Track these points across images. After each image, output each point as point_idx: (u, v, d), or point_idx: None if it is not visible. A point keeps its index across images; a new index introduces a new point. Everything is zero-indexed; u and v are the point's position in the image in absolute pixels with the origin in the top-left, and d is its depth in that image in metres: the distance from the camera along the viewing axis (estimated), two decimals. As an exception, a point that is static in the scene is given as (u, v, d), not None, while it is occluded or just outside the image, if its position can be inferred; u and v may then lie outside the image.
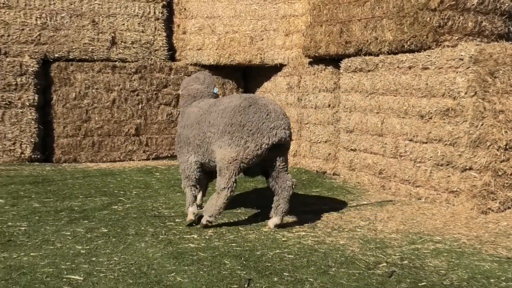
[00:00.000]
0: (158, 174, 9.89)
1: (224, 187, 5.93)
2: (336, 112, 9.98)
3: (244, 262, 5.02)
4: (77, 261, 4.98)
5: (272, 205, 6.17)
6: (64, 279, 4.54)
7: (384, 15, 8.39)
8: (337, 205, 7.53)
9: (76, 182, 8.86)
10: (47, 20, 10.86)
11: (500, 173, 6.92)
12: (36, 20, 10.80)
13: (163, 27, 11.84)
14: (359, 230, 6.22)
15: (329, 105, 9.98)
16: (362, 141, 8.89)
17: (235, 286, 4.45)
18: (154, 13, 11.69)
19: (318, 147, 10.20)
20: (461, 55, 7.08)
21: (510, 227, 6.38)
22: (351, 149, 9.19)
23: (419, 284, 4.59)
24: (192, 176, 6.43)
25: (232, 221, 6.52)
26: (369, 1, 8.68)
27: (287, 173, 6.15)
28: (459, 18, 7.55)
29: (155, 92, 11.56)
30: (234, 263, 4.99)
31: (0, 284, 4.40)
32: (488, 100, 6.90)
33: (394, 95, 8.21)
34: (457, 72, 7.14)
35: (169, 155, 11.69)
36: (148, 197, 7.87)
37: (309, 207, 7.41)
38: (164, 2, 11.83)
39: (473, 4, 7.57)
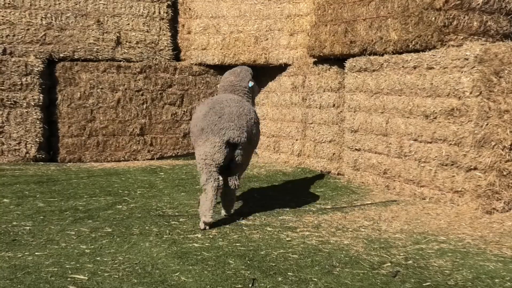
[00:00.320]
0: (162, 174, 9.90)
1: (204, 184, 6.23)
2: (340, 112, 9.97)
3: (248, 261, 5.02)
4: (81, 261, 4.99)
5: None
6: (69, 279, 4.55)
7: (389, 14, 8.38)
8: (341, 205, 7.53)
9: (81, 182, 8.88)
10: (52, 20, 10.90)
11: (505, 173, 6.90)
12: (41, 20, 10.84)
13: (168, 27, 11.86)
14: (363, 230, 6.21)
15: (334, 105, 9.98)
16: (367, 141, 8.89)
17: (240, 286, 4.45)
18: (159, 13, 11.71)
19: (323, 147, 10.19)
20: (466, 55, 7.06)
21: (515, 227, 6.37)
22: (356, 149, 9.18)
23: (424, 284, 4.58)
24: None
25: (236, 220, 6.52)
26: (374, 1, 8.67)
27: (239, 173, 6.54)
28: (464, 17, 7.53)
29: (159, 92, 11.58)
30: (238, 262, 4.99)
31: (5, 284, 4.42)
32: (493, 100, 6.88)
33: (399, 95, 8.20)
34: (462, 72, 7.12)
35: (174, 154, 11.71)
36: (152, 197, 7.87)
37: (313, 206, 7.41)
38: (169, 2, 11.85)
39: (478, 4, 7.55)
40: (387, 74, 8.40)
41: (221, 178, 6.25)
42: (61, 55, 10.95)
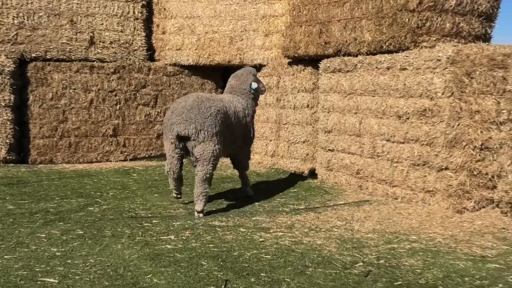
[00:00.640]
0: (135, 175, 9.86)
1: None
2: (314, 112, 10.02)
3: (221, 263, 5.02)
4: (52, 264, 4.95)
5: None
6: (39, 282, 4.51)
7: (363, 16, 8.45)
8: (315, 205, 7.56)
9: (52, 184, 8.80)
10: (24, 19, 10.78)
11: (475, 173, 7.00)
12: (13, 19, 10.71)
13: (143, 27, 11.79)
14: (336, 230, 6.25)
15: (308, 106, 10.03)
16: (340, 141, 8.94)
17: (212, 287, 4.46)
18: (134, 12, 11.64)
19: (296, 148, 10.24)
20: (439, 56, 7.15)
21: (485, 226, 6.46)
22: (329, 149, 9.23)
23: (395, 283, 4.63)
24: None
25: (209, 222, 6.52)
26: (349, 2, 8.73)
27: (200, 165, 6.92)
28: (437, 19, 7.61)
29: (133, 92, 11.51)
30: (211, 264, 4.99)
31: (-27, 287, 4.37)
32: (465, 100, 6.98)
33: (372, 96, 8.27)
34: (434, 73, 7.21)
35: (147, 156, 11.66)
36: (125, 198, 7.84)
37: (287, 207, 7.44)
38: (143, 2, 11.79)
39: (451, 6, 7.64)
40: (361, 75, 8.47)
41: (175, 165, 7.06)
42: (33, 55, 10.83)
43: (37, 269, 4.80)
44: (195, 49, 11.85)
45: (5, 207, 7.15)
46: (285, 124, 10.44)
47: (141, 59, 11.72)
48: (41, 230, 6.04)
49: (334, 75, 9.09)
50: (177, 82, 12.03)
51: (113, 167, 10.65)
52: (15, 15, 10.71)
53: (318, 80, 9.77)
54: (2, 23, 10.65)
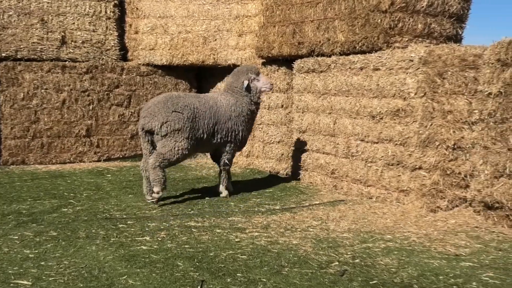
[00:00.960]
0: (109, 175, 9.78)
1: None
2: (289, 112, 10.04)
3: (197, 263, 5.01)
4: (25, 266, 4.88)
5: None
6: (12, 284, 4.44)
7: (336, 16, 8.48)
8: (290, 205, 7.58)
9: (24, 185, 8.67)
10: (-7, 18, 10.59)
11: (448, 172, 7.08)
12: (-18, 18, 10.52)
13: (115, 27, 11.67)
14: (311, 229, 6.28)
15: (282, 106, 10.04)
16: (315, 142, 8.97)
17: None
18: (106, 12, 11.52)
19: (271, 148, 10.25)
20: (411, 56, 7.21)
21: (458, 225, 6.55)
22: (304, 149, 9.25)
23: (371, 282, 4.66)
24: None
25: (184, 222, 6.48)
26: (322, 2, 8.76)
27: (154, 154, 7.34)
28: (409, 20, 7.67)
29: (106, 92, 11.40)
30: (187, 264, 4.97)
31: None
32: (437, 100, 7.05)
33: (346, 96, 8.31)
34: (407, 73, 7.27)
35: (121, 156, 11.56)
36: (99, 199, 7.77)
37: (262, 207, 7.44)
38: (115, 1, 11.67)
39: (423, 7, 7.70)
40: (335, 75, 8.50)
41: (145, 161, 7.54)
42: (3, 54, 10.64)
43: (10, 272, 4.72)
44: (169, 49, 11.77)
45: (-24, 209, 7.03)
46: (260, 124, 10.43)
47: (114, 59, 11.61)
48: (13, 232, 5.95)
49: (308, 75, 9.12)
50: (150, 82, 11.94)
51: (87, 168, 10.53)
52: (-15, 14, 10.53)
53: (292, 81, 9.79)
54: (-28, 22, 10.46)
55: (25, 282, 4.49)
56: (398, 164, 7.41)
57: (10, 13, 10.68)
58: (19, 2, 10.73)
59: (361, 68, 8.00)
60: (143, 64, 11.87)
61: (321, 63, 8.77)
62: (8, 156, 10.68)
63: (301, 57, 9.32)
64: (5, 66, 10.61)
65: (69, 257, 5.15)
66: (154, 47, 11.81)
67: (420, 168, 7.13)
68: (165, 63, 11.78)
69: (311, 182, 9.06)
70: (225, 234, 6.02)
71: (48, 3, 10.94)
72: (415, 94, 7.13)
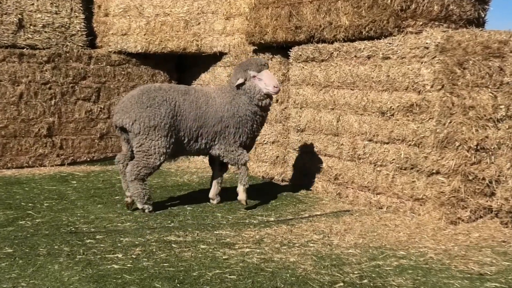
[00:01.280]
0: (74, 182, 9.74)
1: None
2: (285, 108, 10.03)
3: (178, 285, 4.98)
4: (-25, 289, 4.84)
5: None
6: (-41, 311, 4.40)
7: (339, -4, 8.49)
8: (287, 217, 7.56)
9: (-25, 193, 8.64)
10: None
11: (470, 178, 7.09)
12: None
13: (81, 8, 11.64)
14: (312, 245, 6.25)
15: (277, 100, 10.03)
16: (315, 142, 8.96)
17: (168, 314, 4.41)
18: (70, -10, 11.49)
19: (265, 149, 10.23)
20: (426, 43, 7.22)
21: (483, 239, 6.55)
22: (303, 151, 9.24)
23: (381, 307, 4.65)
24: None
25: (163, 237, 6.45)
26: (322, -20, 8.77)
27: (135, 158, 7.45)
28: (423, 0, 7.69)
29: (71, 85, 11.36)
30: (166, 286, 4.94)
31: None
32: (457, 94, 7.05)
33: (351, 89, 8.31)
34: (422, 63, 7.27)
35: (89, 159, 11.52)
36: (62, 210, 7.72)
37: (254, 219, 7.42)
38: (82, -22, 11.65)
39: (440, -15, 7.73)
40: (338, 64, 8.50)
41: (121, 161, 7.73)
42: (-50, 40, 10.60)
43: (-43, 296, 4.68)
44: (144, 34, 11.75)
45: None
46: (250, 122, 10.41)
47: (80, 45, 11.57)
48: (-39, 249, 5.91)
49: (306, 65, 9.11)
50: (123, 72, 11.91)
51: (48, 173, 10.48)
52: None
53: (288, 71, 9.79)
54: None
55: (-24, 308, 4.44)
56: (412, 168, 7.41)
57: (-45, -9, 10.63)
58: (-32, -20, 10.68)
59: (369, 57, 8.00)
60: (115, 52, 11.84)
61: (322, 50, 8.77)
62: (-45, 160, 10.63)
63: (299, 43, 9.32)
64: (-50, 53, 10.56)
65: (27, 278, 5.09)
66: (127, 32, 11.78)
67: (437, 172, 7.14)
68: (140, 51, 11.76)
69: (311, 190, 9.06)
70: (211, 250, 5.99)
71: (2, -20, 10.88)
72: (431, 86, 7.14)
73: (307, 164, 9.17)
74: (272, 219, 7.43)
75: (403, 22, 7.68)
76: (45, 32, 11.25)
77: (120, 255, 5.76)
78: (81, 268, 5.36)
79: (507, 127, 7.07)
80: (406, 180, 7.50)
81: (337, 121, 8.52)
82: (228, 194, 8.59)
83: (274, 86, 7.62)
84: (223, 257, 5.76)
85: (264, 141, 10.21)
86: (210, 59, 11.73)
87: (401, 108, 7.51)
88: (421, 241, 6.43)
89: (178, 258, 5.72)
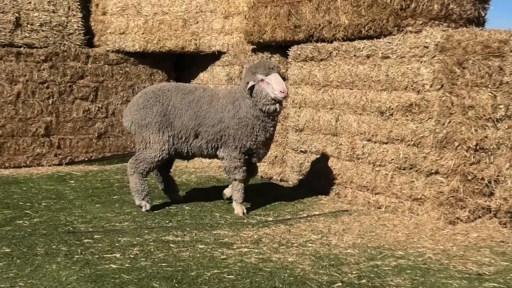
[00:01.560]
0: (72, 182, 9.74)
1: None
2: (283, 108, 10.03)
3: (176, 285, 4.98)
4: (-27, 288, 4.86)
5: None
6: (-43, 310, 4.42)
7: (338, -5, 8.50)
8: (285, 216, 7.58)
9: (-28, 193, 8.65)
10: None
11: (469, 178, 7.10)
12: None
13: (79, 7, 11.63)
14: (310, 245, 6.27)
15: (276, 100, 10.02)
16: (314, 142, 8.97)
17: (166, 313, 4.43)
18: (68, -11, 11.50)
19: (263, 149, 10.22)
20: (426, 42, 7.22)
21: (481, 239, 6.57)
22: (301, 151, 9.25)
23: (379, 307, 4.67)
24: None
25: (161, 236, 6.47)
26: (322, -21, 8.78)
27: (130, 159, 7.78)
28: (423, -1, 7.71)
29: (69, 84, 11.36)
30: (164, 286, 4.95)
31: None
32: (456, 94, 7.06)
33: (350, 88, 8.32)
34: (421, 62, 7.28)
35: (86, 159, 11.52)
36: (60, 210, 7.73)
37: (253, 219, 7.44)
38: (79, -24, 11.66)
39: (439, -16, 7.74)
40: (337, 64, 8.51)
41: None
42: None
43: (-45, 296, 4.70)
44: (142, 33, 11.75)
45: None
46: (249, 121, 10.42)
47: (78, 44, 11.57)
48: (-41, 248, 5.93)
49: (305, 64, 9.12)
50: (121, 72, 11.91)
51: (46, 173, 10.48)
52: None
53: (287, 70, 9.79)
54: None
55: (-27, 308, 4.47)
56: (411, 168, 7.42)
57: (-47, -10, 10.64)
58: (-37, -23, 10.69)
59: (368, 56, 8.01)
60: (112, 51, 11.84)
61: (321, 50, 8.78)
62: (-47, 159, 10.64)
63: (298, 42, 9.32)
64: None
65: (25, 277, 5.10)
66: (125, 31, 11.78)
67: (436, 172, 7.15)
68: (138, 50, 11.76)
69: (309, 189, 9.05)
70: (209, 250, 6.00)
71: (-1, -22, 10.89)
72: (431, 86, 7.15)
73: (306, 164, 9.17)
74: (270, 219, 7.45)
75: (403, 21, 7.69)
76: (43, 31, 11.25)
77: (118, 255, 5.77)
78: (79, 267, 5.37)
79: (506, 127, 7.08)
80: (405, 180, 7.51)
81: (336, 121, 8.53)
82: (226, 194, 8.60)
83: (281, 91, 7.24)
84: (221, 257, 5.77)
85: (262, 140, 10.21)
86: (209, 58, 11.72)
87: (400, 107, 7.52)
88: (420, 241, 6.44)
89: (176, 258, 5.72)
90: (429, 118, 7.18)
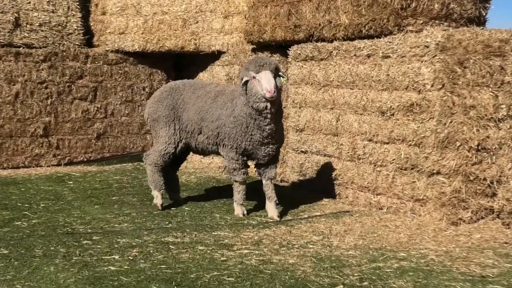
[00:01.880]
0: (71, 182, 9.73)
1: None
2: (283, 107, 9.97)
3: (175, 287, 4.96)
4: (-31, 291, 4.81)
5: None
6: (-47, 314, 4.36)
7: (338, -6, 8.47)
8: (286, 217, 7.55)
9: (-30, 194, 8.62)
10: None
11: (471, 178, 7.07)
12: None
13: (78, 7, 11.63)
14: (311, 246, 6.24)
15: (276, 100, 9.98)
16: (314, 142, 8.94)
17: (165, 317, 4.38)
18: (67, -11, 11.47)
19: (263, 149, 10.18)
20: (427, 42, 7.20)
21: (484, 241, 6.54)
22: (302, 151, 9.23)
23: (382, 309, 4.62)
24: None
25: (161, 238, 6.43)
26: (322, -22, 8.75)
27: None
28: (424, -1, 7.69)
29: (68, 84, 11.33)
30: (163, 289, 4.91)
31: None
32: (458, 93, 7.04)
33: (350, 88, 8.30)
34: (422, 62, 7.26)
35: (85, 159, 11.49)
36: (59, 211, 7.71)
37: (253, 219, 7.41)
38: (79, -24, 11.62)
39: (440, -17, 7.71)
40: (337, 63, 8.48)
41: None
42: None
43: (-49, 299, 4.64)
44: (142, 33, 11.74)
45: None
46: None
47: (77, 44, 11.56)
48: (-44, 250, 5.89)
49: (306, 64, 9.09)
50: (120, 72, 11.89)
51: (44, 173, 10.47)
52: None
53: (287, 70, 9.76)
54: None
55: (-30, 311, 4.41)
56: (412, 169, 7.39)
57: (-49, -10, 10.61)
58: (-39, -23, 10.66)
59: (368, 56, 7.99)
60: (112, 51, 11.82)
61: (322, 49, 8.75)
62: (-49, 160, 10.60)
63: (298, 42, 9.30)
64: None
65: (22, 279, 5.07)
66: (125, 30, 11.77)
67: (438, 173, 7.11)
68: (137, 50, 11.75)
69: (310, 190, 9.02)
70: (209, 251, 5.97)
71: (-2, -22, 10.86)
72: (432, 86, 7.13)
73: (306, 164, 9.14)
74: (271, 219, 7.41)
75: (403, 21, 7.68)
76: (42, 30, 11.23)
77: (116, 257, 5.74)
78: (77, 269, 5.34)
79: (508, 127, 7.06)
80: (407, 180, 7.47)
81: (337, 121, 8.50)
82: (225, 194, 8.57)
83: (268, 90, 6.90)
84: (221, 259, 5.74)
85: (262, 141, 10.18)
86: (208, 58, 11.70)
87: (401, 107, 7.49)
88: (422, 243, 6.41)
89: (176, 259, 5.69)
90: (431, 118, 7.15)
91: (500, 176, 7.07)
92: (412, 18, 7.70)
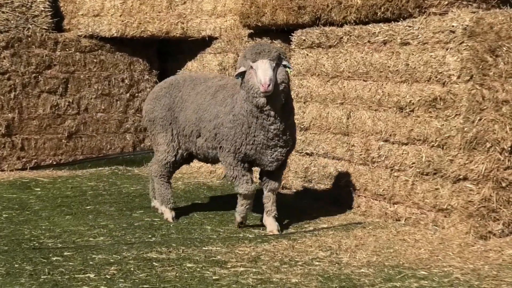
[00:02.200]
0: (38, 189, 9.76)
1: None
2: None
3: (160, 310, 4.99)
4: None
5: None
6: None
7: (350, -30, 8.52)
8: (288, 230, 7.59)
9: None
10: None
11: (504, 185, 7.10)
12: None
13: (45, -16, 11.66)
14: (317, 263, 6.26)
15: (277, 94, 10.03)
16: (322, 143, 8.97)
17: None
18: (32, -37, 11.51)
19: (262, 151, 10.23)
20: (453, 26, 7.22)
21: (517, 257, 6.58)
22: (307, 153, 9.26)
23: (399, 336, 4.68)
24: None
25: (143, 254, 6.46)
26: (330, -48, 8.80)
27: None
28: (449, -24, 7.72)
29: (34, 75, 11.36)
30: (146, 312, 4.97)
31: None
32: (488, 86, 7.07)
33: (364, 80, 8.32)
34: (447, 49, 7.28)
35: (55, 163, 11.51)
36: (24, 222, 7.74)
37: (250, 232, 7.45)
38: None
39: (468, -45, 7.75)
40: (348, 51, 8.51)
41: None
42: None
43: None
44: (120, 16, 11.75)
45: None
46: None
47: (44, 28, 11.57)
48: None
49: (311, 52, 9.12)
50: (95, 60, 11.91)
51: (7, 179, 10.51)
52: None
53: (290, 58, 9.79)
54: None
55: None
56: (435, 174, 7.42)
57: None
58: None
59: (385, 42, 8.02)
60: (85, 36, 11.85)
61: (330, 35, 8.78)
62: None
63: (303, 26, 9.33)
64: None
65: (-17, 302, 5.10)
66: (100, 12, 11.79)
67: (465, 179, 7.15)
68: (115, 35, 11.76)
69: (316, 198, 9.06)
70: (198, 269, 5.98)
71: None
72: (458, 77, 7.16)
73: (312, 169, 9.17)
74: (270, 233, 7.45)
75: (425, 1, 7.69)
76: (3, 12, 11.25)
77: (92, 275, 5.74)
78: (46, 290, 5.35)
79: (547, 126, 7.10)
80: (428, 187, 7.50)
81: (348, 118, 8.53)
82: (217, 203, 8.62)
83: (262, 83, 6.74)
84: (213, 278, 5.75)
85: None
86: (198, 44, 11.72)
87: (423, 102, 7.52)
88: (446, 259, 6.43)
89: (160, 278, 5.70)
90: (457, 114, 7.18)
91: (536, 182, 7.11)
92: (435, -2, 7.74)
